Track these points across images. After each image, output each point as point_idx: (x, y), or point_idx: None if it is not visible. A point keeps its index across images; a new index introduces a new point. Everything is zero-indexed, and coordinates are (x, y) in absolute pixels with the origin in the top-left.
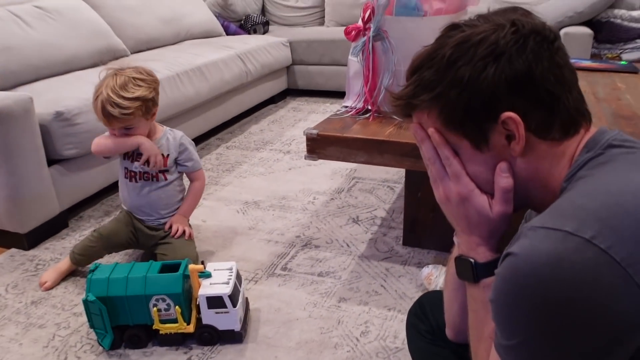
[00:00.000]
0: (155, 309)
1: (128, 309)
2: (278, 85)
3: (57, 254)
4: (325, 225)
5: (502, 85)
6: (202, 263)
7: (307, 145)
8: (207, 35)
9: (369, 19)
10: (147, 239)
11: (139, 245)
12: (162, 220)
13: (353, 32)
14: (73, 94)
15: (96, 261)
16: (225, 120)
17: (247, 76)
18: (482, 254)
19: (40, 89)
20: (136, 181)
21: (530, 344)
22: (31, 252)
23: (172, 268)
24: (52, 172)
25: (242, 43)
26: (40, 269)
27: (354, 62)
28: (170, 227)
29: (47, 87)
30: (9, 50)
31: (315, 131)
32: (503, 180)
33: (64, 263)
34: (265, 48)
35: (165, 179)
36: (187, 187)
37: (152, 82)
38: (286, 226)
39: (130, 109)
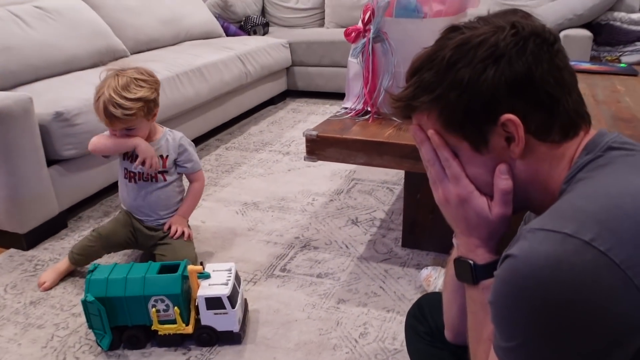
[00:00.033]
0: (154, 309)
1: (127, 309)
2: (278, 86)
3: (56, 254)
4: (325, 227)
5: (502, 87)
6: (201, 264)
7: (307, 146)
8: (207, 36)
9: (369, 20)
10: (146, 239)
11: (137, 246)
12: (161, 221)
13: (353, 34)
14: (73, 94)
15: (95, 262)
16: (224, 121)
17: (246, 77)
18: (481, 256)
19: (40, 89)
20: (135, 182)
21: (529, 346)
22: (30, 253)
23: (171, 269)
24: (52, 172)
25: (242, 44)
26: (39, 269)
27: (354, 64)
28: (170, 228)
29: (46, 88)
30: (8, 50)
31: (314, 132)
32: (502, 182)
33: (63, 263)
34: (265, 49)
35: (165, 180)
36: (186, 187)
37: (154, 83)
38: (285, 227)
39: (133, 109)
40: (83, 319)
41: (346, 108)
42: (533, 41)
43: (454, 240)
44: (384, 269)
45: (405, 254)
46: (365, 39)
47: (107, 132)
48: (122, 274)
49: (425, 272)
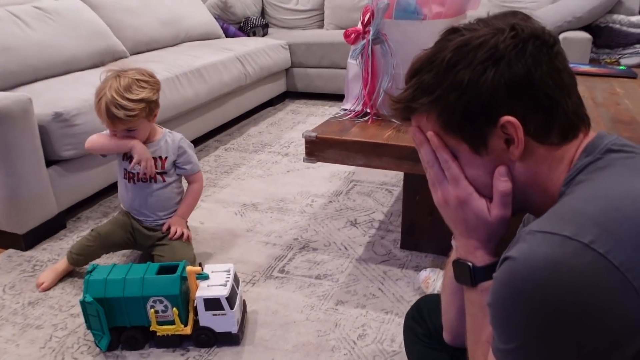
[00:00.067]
0: (152, 310)
1: (125, 310)
2: (277, 87)
3: (54, 254)
4: (323, 228)
5: (502, 89)
6: (200, 265)
7: (306, 147)
8: (207, 37)
9: (369, 22)
10: (144, 239)
11: (136, 246)
12: (160, 222)
13: (352, 35)
14: (72, 94)
15: (93, 262)
16: (224, 123)
17: (246, 78)
18: (480, 258)
19: (39, 89)
20: (134, 182)
21: (528, 348)
22: (29, 253)
23: (169, 270)
24: (51, 172)
25: (241, 45)
26: (38, 269)
27: (353, 65)
28: (169, 229)
29: (46, 88)
30: (8, 50)
31: (314, 134)
32: (502, 184)
33: (61, 264)
34: (265, 50)
35: (164, 181)
36: (185, 189)
37: (155, 84)
38: (284, 229)
39: (135, 110)
40: (81, 319)
41: (345, 109)
42: (532, 43)
43: (453, 242)
44: (383, 270)
45: (404, 256)
46: (364, 41)
47: (105, 132)
48: (120, 275)
49: (424, 273)
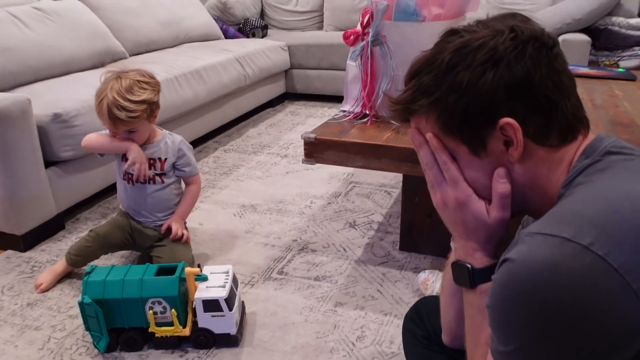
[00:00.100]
0: (151, 311)
1: (124, 311)
2: (276, 89)
3: (53, 255)
4: (322, 230)
5: (501, 90)
6: (199, 266)
7: (305, 149)
8: (206, 38)
9: (368, 23)
10: (143, 240)
11: (135, 247)
12: (159, 223)
13: (352, 37)
14: (71, 95)
15: (92, 263)
16: (223, 124)
17: (245, 80)
18: (479, 260)
19: (38, 90)
20: (133, 184)
21: (527, 350)
22: (27, 254)
23: (168, 271)
24: (49, 173)
25: (240, 46)
26: (36, 270)
27: (353, 67)
28: (168, 231)
29: (45, 89)
30: (7, 51)
31: (313, 135)
32: (501, 185)
33: (60, 265)
34: (264, 52)
35: (163, 182)
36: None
37: (156, 85)
38: (283, 230)
39: (137, 112)
40: (80, 320)
41: (344, 111)
42: (532, 45)
43: (452, 244)
44: (382, 272)
45: (402, 258)
46: (364, 42)
47: (104, 131)
48: (119, 276)
49: (423, 275)
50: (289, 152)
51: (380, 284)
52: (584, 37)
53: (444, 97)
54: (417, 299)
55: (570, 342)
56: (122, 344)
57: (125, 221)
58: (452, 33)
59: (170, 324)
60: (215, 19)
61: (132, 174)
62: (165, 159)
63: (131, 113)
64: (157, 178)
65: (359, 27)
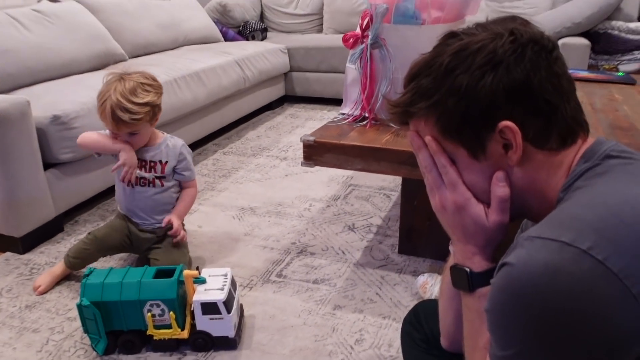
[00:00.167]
0: (149, 314)
1: (122, 314)
2: (276, 91)
3: (52, 258)
4: (321, 233)
5: (500, 94)
6: (197, 269)
7: (304, 151)
8: (206, 40)
9: (367, 26)
10: (140, 242)
11: (132, 249)
12: (157, 225)
13: (351, 40)
14: (70, 97)
15: (90, 266)
16: (222, 126)
17: (244, 82)
18: (477, 264)
19: (37, 92)
20: (133, 186)
21: (526, 355)
22: (26, 256)
23: (167, 273)
24: (48, 175)
25: (240, 49)
26: (35, 273)
27: (352, 70)
28: (165, 235)
29: (44, 91)
30: (7, 53)
31: (312, 138)
32: (500, 189)
33: (59, 267)
34: (263, 54)
35: (162, 186)
36: None
37: (158, 88)
38: (282, 233)
39: (140, 114)
40: (78, 323)
41: (344, 114)
42: (531, 48)
43: (451, 248)
44: (381, 275)
45: (401, 261)
46: (363, 45)
47: (101, 131)
48: (117, 278)
49: (422, 278)
50: (288, 154)
51: (379, 287)
52: (583, 41)
53: (443, 100)
54: (415, 302)
55: (569, 347)
56: (120, 346)
57: (124, 224)
58: (451, 36)
59: (169, 326)
60: (214, 22)
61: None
62: (166, 162)
63: (134, 115)
64: (157, 181)
65: (358, 30)
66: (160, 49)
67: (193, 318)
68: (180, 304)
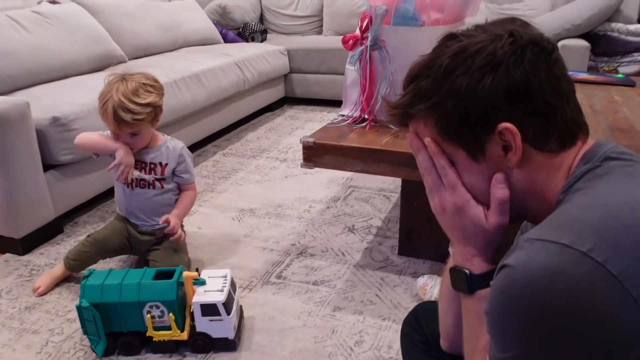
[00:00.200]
0: (149, 315)
1: (122, 315)
2: (275, 93)
3: (51, 259)
4: (321, 234)
5: (499, 95)
6: (197, 270)
7: (304, 153)
8: (205, 42)
9: (367, 28)
10: (139, 244)
11: (132, 251)
12: (157, 227)
13: (351, 41)
14: (70, 99)
15: (90, 267)
16: (222, 128)
17: (244, 84)
18: (477, 265)
19: (37, 93)
20: (132, 188)
21: (526, 357)
22: (26, 257)
23: (166, 275)
24: (48, 177)
25: (240, 51)
26: (35, 274)
27: (352, 71)
28: (164, 236)
29: (44, 92)
30: (6, 54)
31: (311, 139)
32: (499, 191)
33: (58, 268)
34: (263, 56)
35: (162, 188)
36: None
37: (160, 89)
38: (281, 234)
39: (142, 114)
40: (78, 324)
41: (343, 115)
42: (531, 50)
43: (450, 249)
44: (380, 276)
45: (401, 262)
46: (362, 47)
47: (102, 132)
48: (117, 280)
49: (422, 280)
50: (288, 156)
51: (379, 288)
52: (583, 43)
53: (442, 102)
54: (415, 304)
55: (569, 349)
56: (119, 348)
57: (123, 226)
58: (450, 37)
59: (168, 328)
60: (214, 23)
61: (132, 179)
62: (166, 164)
63: (136, 115)
64: (157, 183)
65: (358, 32)
66: (160, 50)
67: (193, 319)
68: (179, 306)
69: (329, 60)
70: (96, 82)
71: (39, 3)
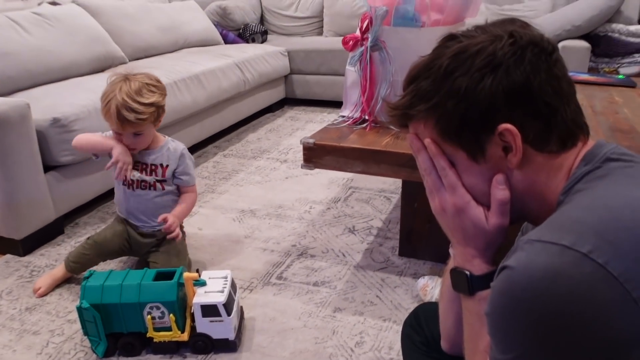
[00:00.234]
0: (149, 316)
1: (122, 316)
2: (276, 94)
3: (52, 260)
4: (321, 235)
5: (500, 96)
6: (197, 271)
7: (304, 154)
8: (206, 43)
9: (367, 29)
10: (139, 246)
11: (132, 252)
12: (157, 228)
13: (351, 42)
14: (70, 100)
15: (91, 268)
16: (222, 129)
17: (244, 85)
18: (477, 267)
19: (37, 95)
20: (133, 189)
21: (526, 358)
22: (26, 258)
23: (167, 276)
24: (48, 178)
25: (240, 52)
26: (35, 275)
27: (352, 72)
28: (165, 237)
29: (44, 93)
30: (6, 56)
31: (312, 140)
32: (499, 192)
33: (59, 270)
34: (264, 57)
35: (163, 189)
36: None
37: (163, 89)
38: (282, 235)
39: (145, 114)
40: (78, 325)
41: (344, 116)
42: (531, 50)
43: (451, 250)
44: (381, 277)
45: (402, 263)
46: (363, 48)
47: (103, 133)
48: (117, 281)
49: (422, 281)
50: (289, 157)
51: (380, 289)
52: (583, 44)
53: (442, 103)
54: (416, 304)
55: (569, 351)
56: (120, 348)
57: (123, 227)
58: (450, 38)
59: (169, 329)
60: (214, 24)
61: (133, 180)
62: (167, 165)
63: (140, 115)
64: (158, 184)
65: (358, 33)
66: (160, 51)
67: (193, 320)
68: (180, 307)
69: (329, 61)
70: (96, 83)
71: (39, 4)
